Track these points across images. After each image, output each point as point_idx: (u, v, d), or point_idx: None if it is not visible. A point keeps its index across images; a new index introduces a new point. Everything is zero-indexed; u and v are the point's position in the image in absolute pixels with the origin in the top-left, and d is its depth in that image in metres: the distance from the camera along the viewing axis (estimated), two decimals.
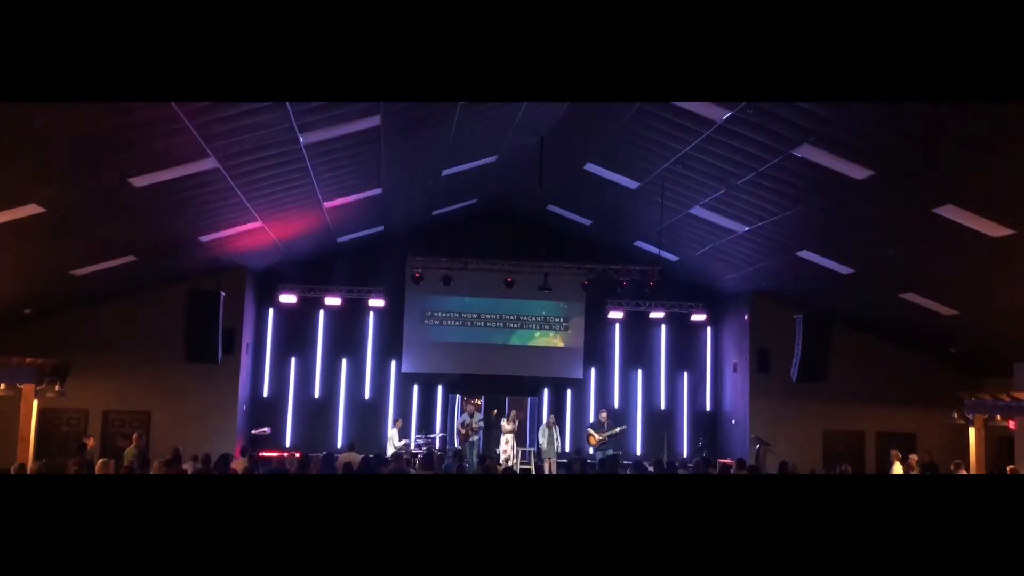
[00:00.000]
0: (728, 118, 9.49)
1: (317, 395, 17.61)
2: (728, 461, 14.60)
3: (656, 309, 17.62)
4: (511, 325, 18.12)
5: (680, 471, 12.18)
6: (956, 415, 13.37)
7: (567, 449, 17.39)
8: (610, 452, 15.13)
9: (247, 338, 16.36)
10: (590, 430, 16.47)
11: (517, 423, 16.38)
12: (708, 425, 18.61)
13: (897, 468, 13.40)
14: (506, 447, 15.93)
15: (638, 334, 18.57)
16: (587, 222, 16.61)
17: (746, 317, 17.25)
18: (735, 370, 17.87)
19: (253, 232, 13.26)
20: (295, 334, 17.56)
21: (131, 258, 12.58)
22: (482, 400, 17.57)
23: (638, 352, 18.66)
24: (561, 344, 18.27)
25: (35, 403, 11.51)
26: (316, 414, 17.51)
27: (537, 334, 18.20)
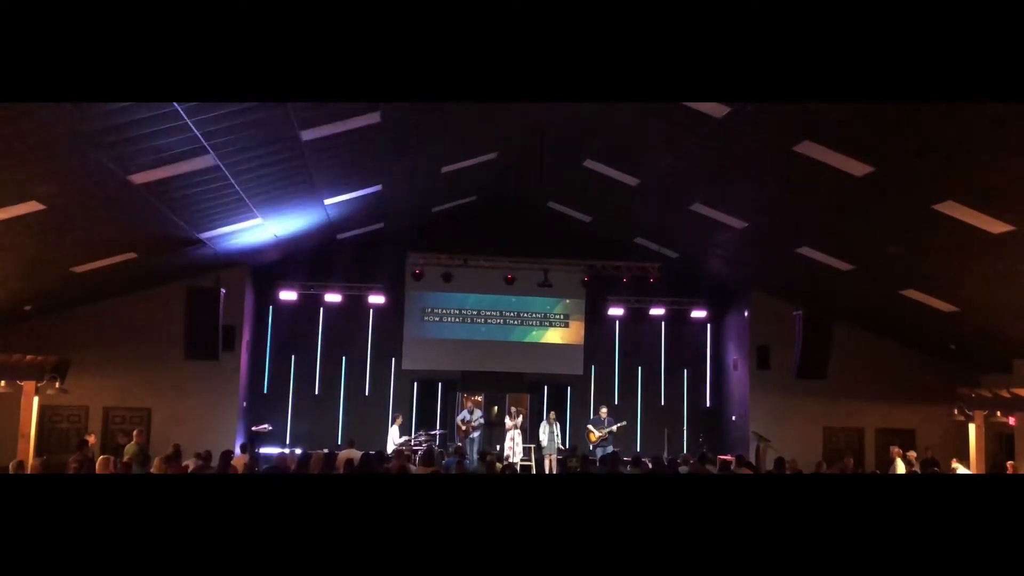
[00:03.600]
0: (728, 114, 9.49)
1: (317, 392, 17.63)
2: (728, 457, 14.60)
3: (656, 305, 17.62)
4: (511, 322, 18.14)
5: (681, 467, 12.17)
6: (956, 411, 13.37)
7: (567, 445, 17.39)
8: (610, 449, 15.14)
9: (247, 335, 16.37)
10: (590, 427, 16.49)
11: (521, 418, 16.40)
12: (708, 421, 18.62)
13: (899, 465, 13.41)
14: (511, 443, 15.94)
15: (638, 330, 18.57)
16: (587, 218, 16.61)
17: (746, 314, 17.26)
18: (735, 367, 17.88)
19: (253, 229, 13.27)
20: (295, 331, 17.57)
21: (131, 255, 12.58)
22: (482, 397, 17.59)
23: (638, 348, 18.67)
24: (561, 341, 18.28)
25: (35, 400, 11.50)
26: (316, 411, 17.52)
27: (537, 331, 18.22)
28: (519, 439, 16.09)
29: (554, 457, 15.99)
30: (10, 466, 9.37)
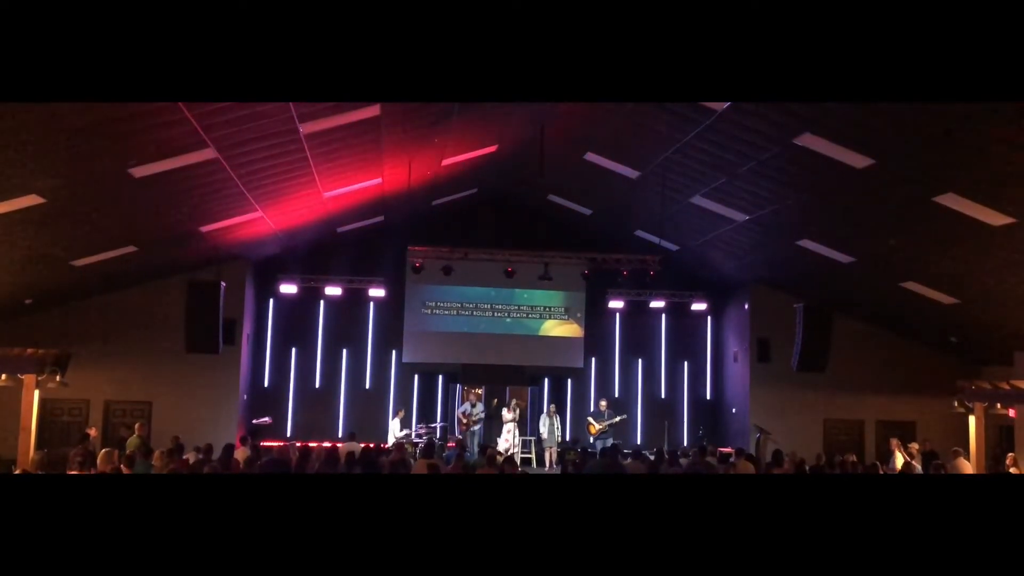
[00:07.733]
0: (728, 107, 9.48)
1: (318, 385, 17.66)
2: (728, 450, 14.62)
3: (656, 298, 17.64)
4: (512, 315, 18.14)
5: (681, 460, 12.17)
6: (956, 403, 13.35)
7: (567, 438, 17.43)
8: (610, 441, 15.16)
9: (248, 328, 16.38)
10: (590, 419, 16.51)
11: (518, 412, 16.42)
12: (708, 414, 18.66)
13: (898, 457, 13.42)
14: (507, 436, 15.98)
15: (638, 323, 18.60)
16: (587, 211, 16.60)
17: (746, 306, 17.26)
18: (735, 359, 17.89)
19: (253, 222, 13.26)
20: (295, 324, 17.59)
21: (131, 248, 12.58)
22: (483, 390, 17.61)
23: (638, 341, 18.71)
24: (562, 334, 18.28)
25: (36, 393, 11.48)
26: (317, 404, 17.56)
27: (537, 324, 18.21)
28: (516, 431, 16.13)
29: (554, 450, 16.04)
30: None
